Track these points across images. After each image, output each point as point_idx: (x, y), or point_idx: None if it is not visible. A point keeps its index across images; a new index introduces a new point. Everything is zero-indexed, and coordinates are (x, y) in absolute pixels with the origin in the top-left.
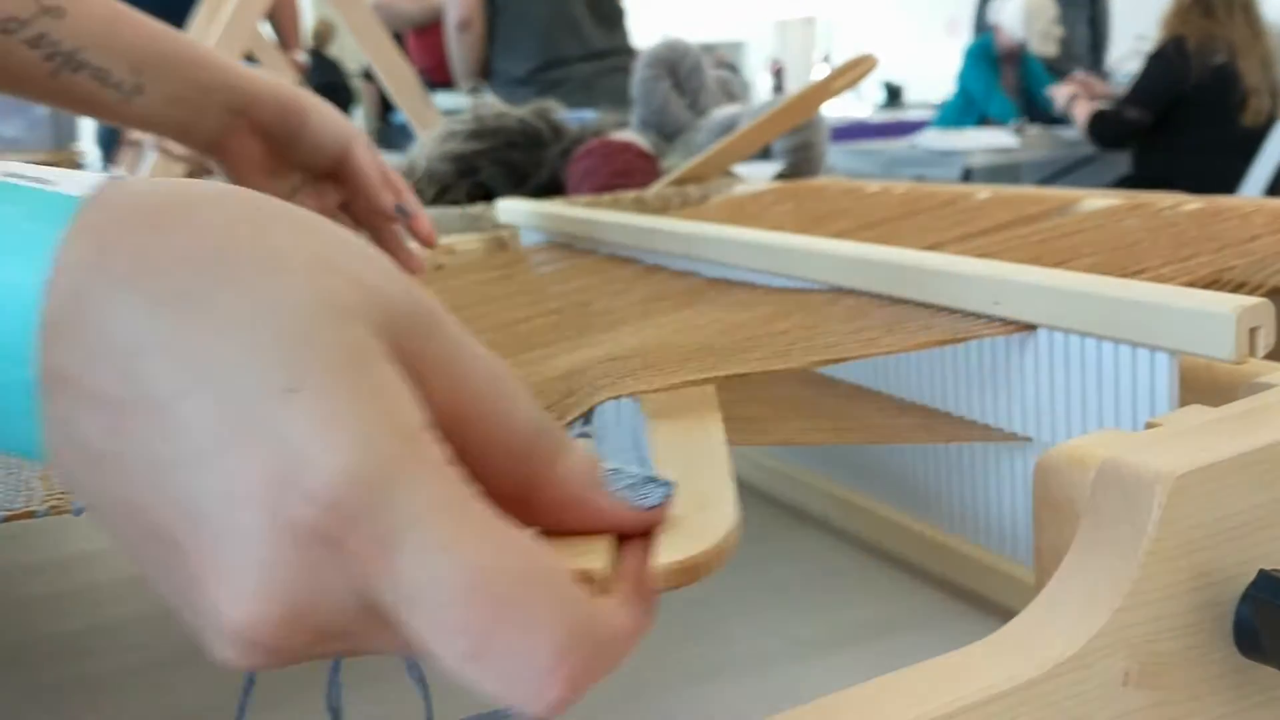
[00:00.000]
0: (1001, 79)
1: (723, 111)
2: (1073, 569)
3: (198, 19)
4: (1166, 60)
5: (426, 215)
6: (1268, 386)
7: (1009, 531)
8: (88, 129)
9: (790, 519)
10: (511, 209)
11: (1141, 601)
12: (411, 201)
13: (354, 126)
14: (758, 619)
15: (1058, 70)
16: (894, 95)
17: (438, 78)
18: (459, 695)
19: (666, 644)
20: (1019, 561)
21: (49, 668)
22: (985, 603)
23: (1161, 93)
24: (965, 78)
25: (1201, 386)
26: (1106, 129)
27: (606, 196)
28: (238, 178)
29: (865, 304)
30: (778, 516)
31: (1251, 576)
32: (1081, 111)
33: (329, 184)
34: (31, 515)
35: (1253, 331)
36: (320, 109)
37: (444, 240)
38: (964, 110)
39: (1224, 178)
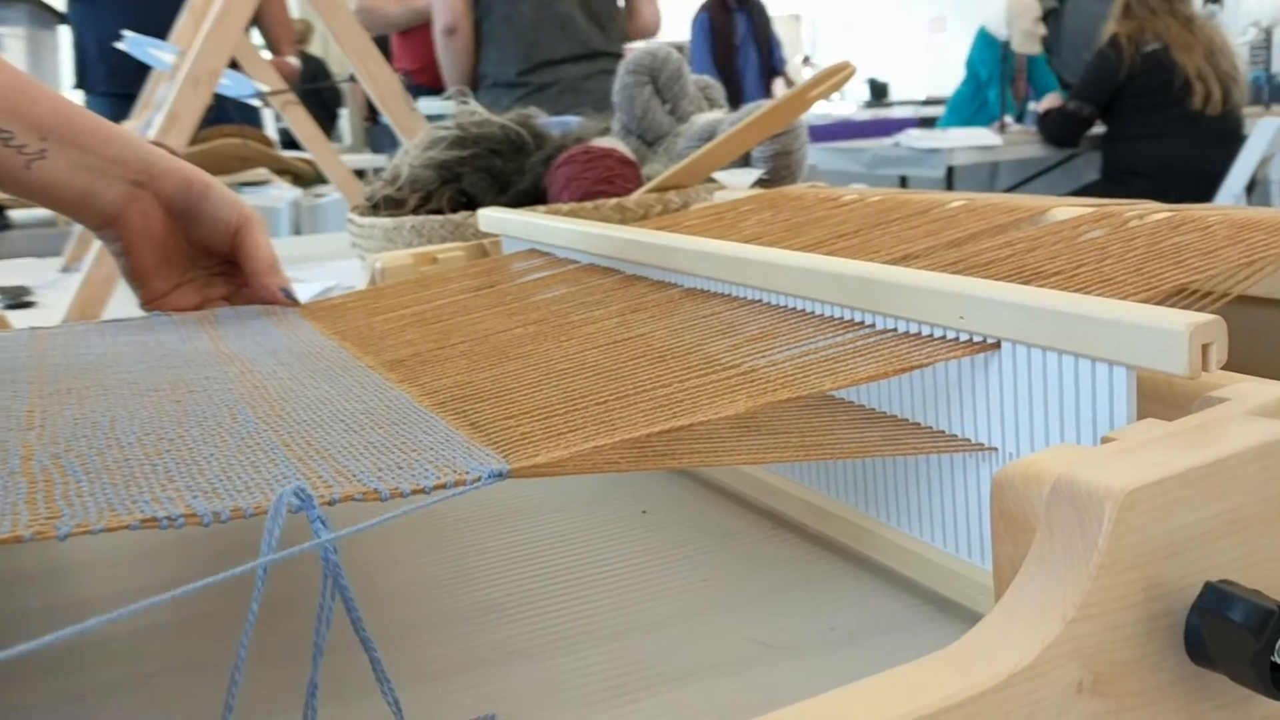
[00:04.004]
0: (1014, 69)
1: (703, 118)
2: (1027, 581)
3: (182, 24)
4: (1104, 56)
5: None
6: (1221, 401)
7: (976, 538)
8: None
9: (766, 525)
10: (493, 218)
11: (1094, 613)
12: (292, 289)
13: (252, 210)
14: (732, 623)
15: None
16: (879, 93)
17: (423, 80)
18: (433, 713)
19: (639, 646)
20: (986, 567)
21: (36, 681)
22: (954, 607)
23: (1101, 86)
24: (973, 60)
25: (1162, 396)
26: (1055, 126)
27: (588, 204)
28: (131, 253)
29: (830, 325)
30: (754, 523)
31: (1200, 587)
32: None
33: (218, 279)
34: (19, 539)
35: (1205, 347)
36: (221, 187)
37: (427, 249)
38: (974, 98)
39: (1188, 160)
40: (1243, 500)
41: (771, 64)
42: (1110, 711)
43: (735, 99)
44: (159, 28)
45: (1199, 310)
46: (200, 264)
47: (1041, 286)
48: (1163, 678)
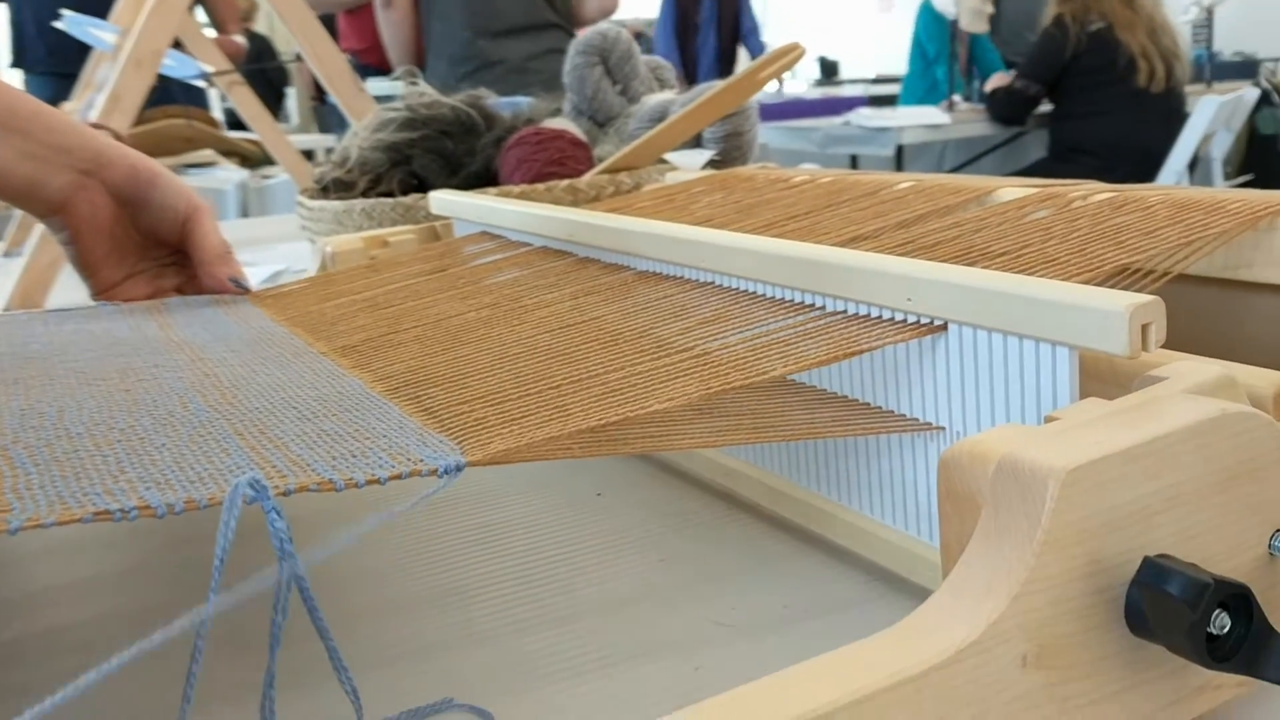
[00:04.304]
0: (955, 45)
1: (655, 98)
2: (974, 559)
3: (123, 3)
4: (1049, 35)
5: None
6: (1160, 379)
7: (926, 515)
8: None
9: (721, 505)
10: (445, 200)
11: (1038, 588)
12: (244, 277)
13: (201, 199)
14: (687, 603)
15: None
16: (829, 71)
17: (370, 59)
18: (391, 698)
19: (596, 628)
20: (935, 544)
21: None
22: (905, 584)
23: (1048, 64)
24: (919, 37)
25: (1103, 375)
26: (1002, 105)
27: (540, 185)
28: (80, 241)
29: (780, 307)
30: (709, 504)
31: (1140, 562)
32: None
33: (169, 270)
34: None
35: (1144, 327)
36: (169, 175)
37: (377, 232)
38: (923, 76)
39: (1133, 137)
40: (1180, 477)
41: (747, 46)
42: (1054, 683)
43: (691, 80)
44: (99, 6)
45: (1140, 290)
46: (151, 254)
47: (988, 267)
48: (1104, 650)
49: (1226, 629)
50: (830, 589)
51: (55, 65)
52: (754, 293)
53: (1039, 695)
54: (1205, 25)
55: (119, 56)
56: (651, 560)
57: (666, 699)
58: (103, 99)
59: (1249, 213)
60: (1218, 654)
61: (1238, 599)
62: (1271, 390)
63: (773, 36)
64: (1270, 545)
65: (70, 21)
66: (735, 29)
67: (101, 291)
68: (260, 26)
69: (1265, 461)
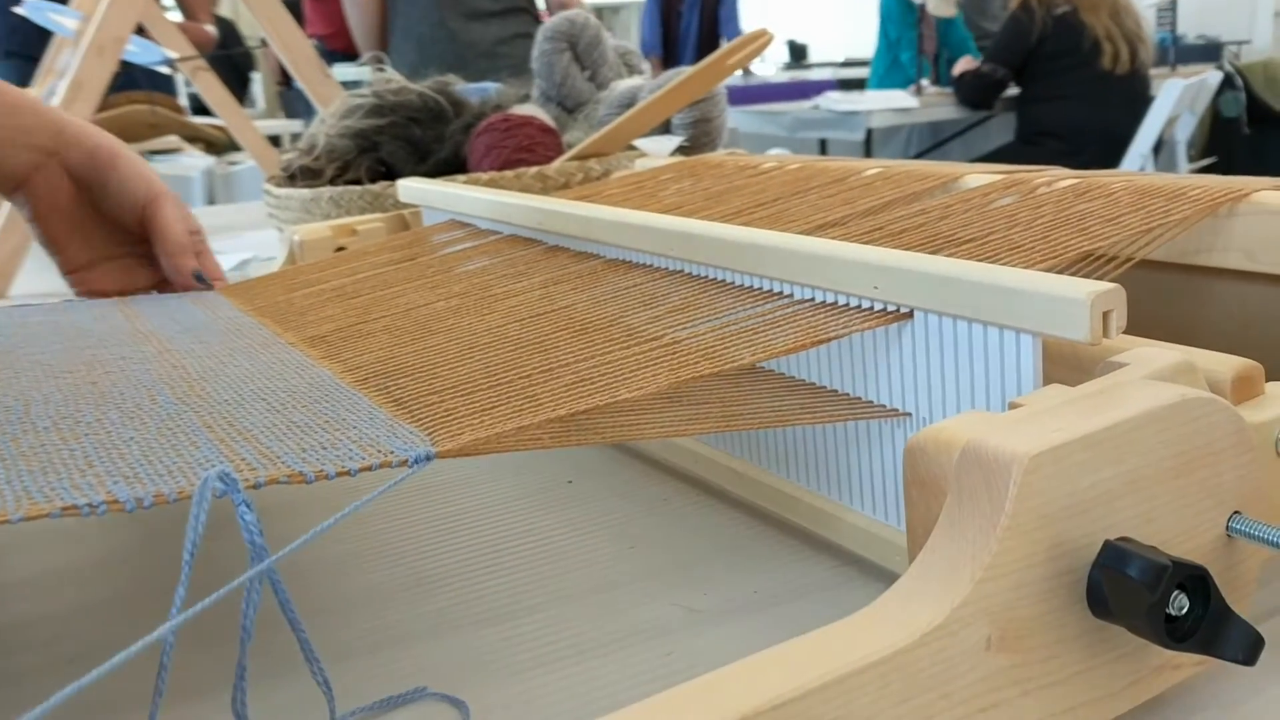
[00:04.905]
0: (921, 28)
1: (624, 84)
2: (938, 544)
3: None
4: (1016, 19)
5: (221, 271)
6: (1121, 365)
7: (893, 501)
8: None
9: (691, 492)
10: (413, 189)
11: (1001, 573)
12: (210, 266)
13: (164, 185)
14: (657, 590)
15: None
16: (798, 55)
17: (336, 45)
18: (364, 688)
19: (567, 615)
20: (903, 529)
21: None
22: (873, 569)
23: (1014, 49)
24: (882, 18)
25: (1066, 361)
26: (969, 89)
27: (509, 173)
28: (41, 220)
29: (748, 295)
30: (679, 490)
31: (1101, 545)
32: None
33: (143, 264)
34: None
35: (1106, 314)
36: (131, 156)
37: (346, 220)
38: (886, 55)
39: (1098, 121)
40: (1140, 461)
41: (725, 35)
42: (1017, 665)
43: (675, 64)
44: None
45: (1102, 276)
46: (119, 240)
47: (953, 255)
48: (1066, 631)
49: (1185, 610)
50: (800, 574)
51: (15, 46)
52: (723, 280)
53: (1002, 677)
54: (1169, 9)
55: (80, 43)
56: (622, 547)
57: (638, 685)
58: (64, 86)
59: (1209, 199)
60: (1176, 634)
61: (1196, 580)
62: (1229, 375)
63: (743, 19)
64: (1227, 527)
65: (31, 8)
66: (717, 13)
67: (70, 271)
68: (225, 10)
69: (1222, 445)
